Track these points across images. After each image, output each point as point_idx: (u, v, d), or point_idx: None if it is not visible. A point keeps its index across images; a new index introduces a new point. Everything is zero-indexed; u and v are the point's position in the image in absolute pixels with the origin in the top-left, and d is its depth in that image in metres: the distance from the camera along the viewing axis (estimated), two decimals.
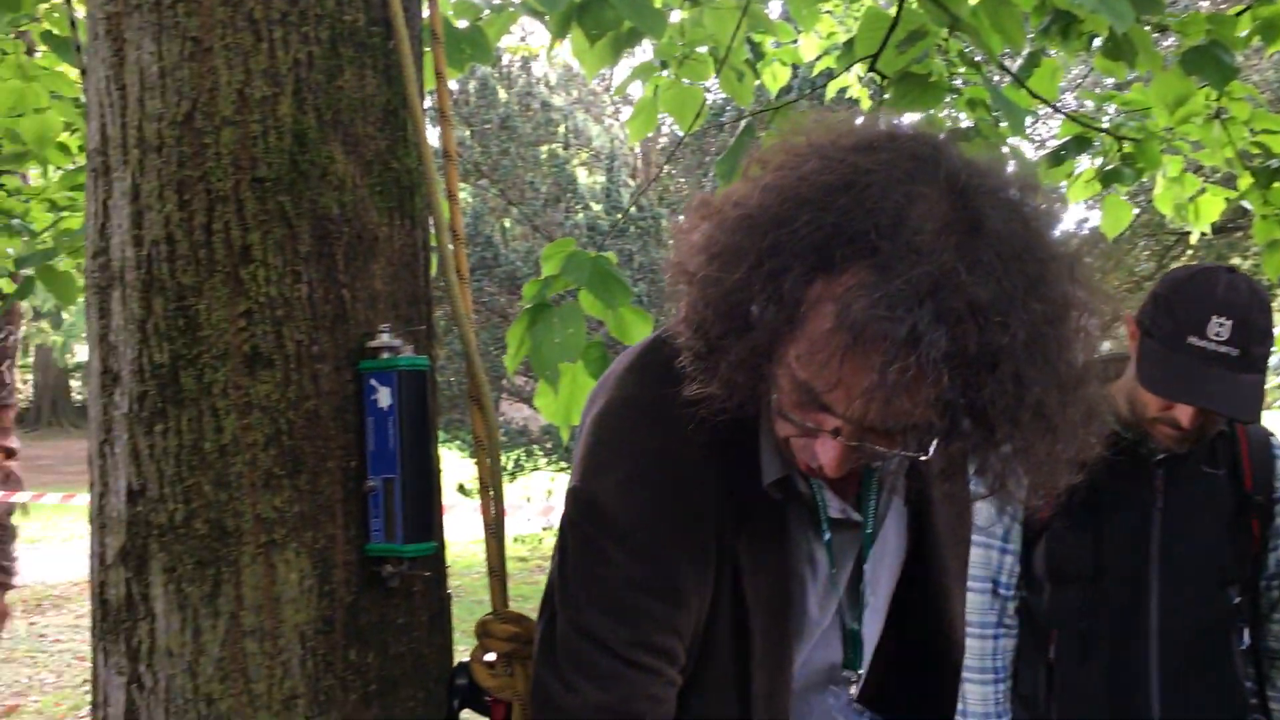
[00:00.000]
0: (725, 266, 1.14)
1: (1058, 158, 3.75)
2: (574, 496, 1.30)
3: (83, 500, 8.83)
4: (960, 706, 2.28)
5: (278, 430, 1.28)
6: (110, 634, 1.31)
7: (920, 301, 1.03)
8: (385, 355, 1.32)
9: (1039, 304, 1.08)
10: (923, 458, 1.18)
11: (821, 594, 1.37)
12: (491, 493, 1.44)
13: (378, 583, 1.33)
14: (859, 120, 1.24)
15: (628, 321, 2.66)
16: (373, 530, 1.32)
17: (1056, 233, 1.17)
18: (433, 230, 1.47)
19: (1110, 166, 3.75)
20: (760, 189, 1.16)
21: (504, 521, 1.46)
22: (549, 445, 11.22)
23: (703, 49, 3.03)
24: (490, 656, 1.43)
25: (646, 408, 1.29)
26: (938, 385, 1.06)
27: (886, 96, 2.72)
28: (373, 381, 1.32)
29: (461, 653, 1.47)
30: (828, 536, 1.33)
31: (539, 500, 12.12)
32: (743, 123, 2.74)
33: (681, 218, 1.29)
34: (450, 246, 1.45)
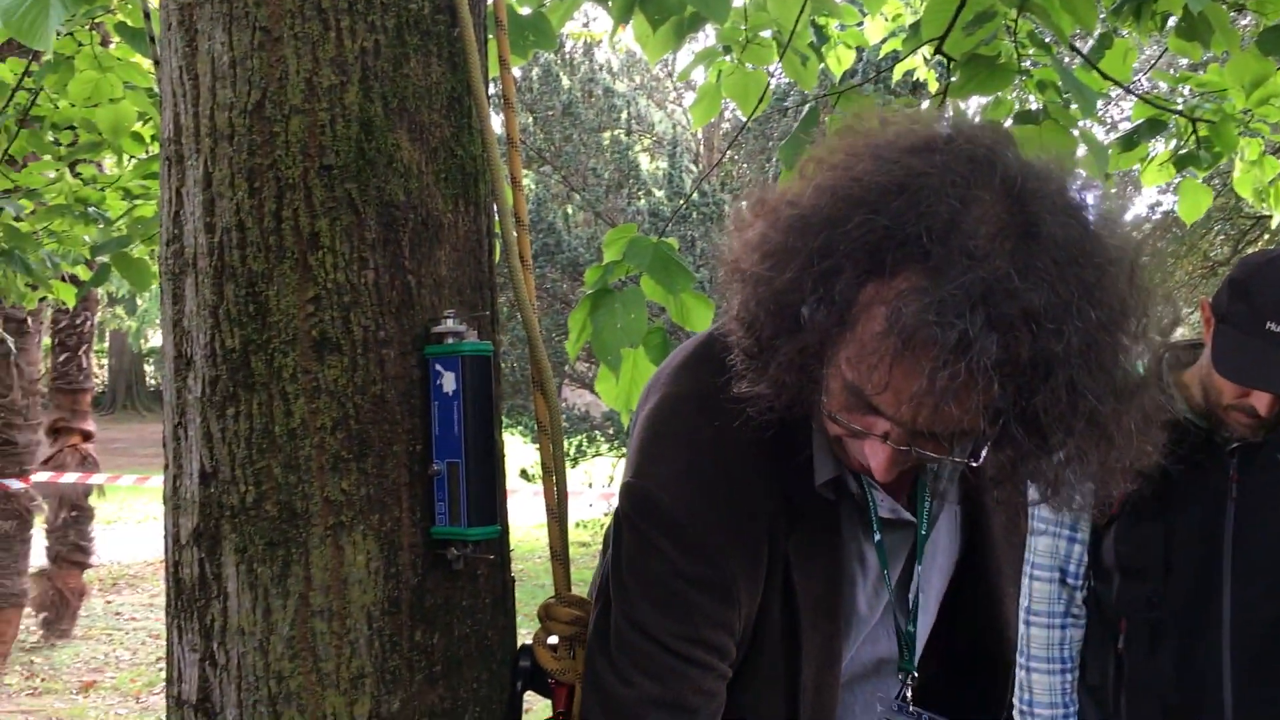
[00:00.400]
0: (777, 265, 1.14)
1: (1130, 141, 3.66)
2: (627, 491, 1.31)
3: (157, 482, 9.03)
4: (1026, 697, 2.26)
5: (345, 414, 1.30)
6: (184, 612, 1.34)
7: (972, 307, 1.02)
8: (450, 340, 1.34)
9: (1095, 310, 1.06)
10: (973, 464, 1.17)
11: (871, 592, 1.36)
12: (554, 476, 1.45)
13: (442, 565, 1.35)
14: (919, 119, 1.22)
15: (689, 307, 2.66)
16: (438, 514, 1.33)
17: (1117, 233, 1.15)
18: (496, 217, 1.48)
19: (1185, 150, 3.66)
20: (814, 188, 1.15)
21: (567, 505, 1.46)
22: (610, 431, 11.25)
23: (766, 33, 3.01)
24: (553, 639, 1.44)
25: (700, 404, 1.29)
26: (988, 392, 1.05)
27: (954, 79, 2.68)
28: (438, 366, 1.33)
29: (524, 636, 1.48)
30: (878, 538, 1.32)
31: (601, 485, 12.17)
32: (806, 107, 2.72)
33: (742, 207, 1.29)
34: (514, 232, 1.45)
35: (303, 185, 1.30)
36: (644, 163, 12.61)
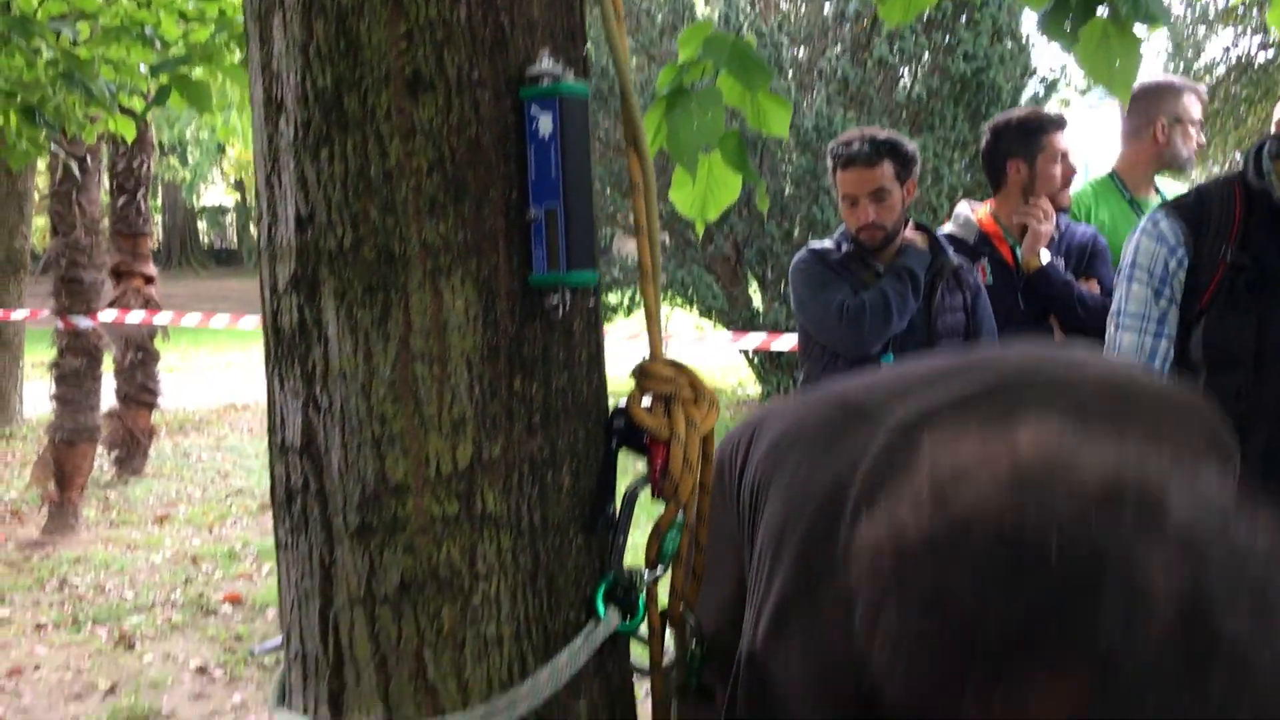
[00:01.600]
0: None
1: None
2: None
3: (220, 322, 9.13)
4: None
5: (441, 156, 1.27)
6: (285, 360, 1.34)
7: None
8: (547, 82, 1.29)
9: None
10: None
11: None
12: (644, 191, 1.42)
13: (539, 315, 1.34)
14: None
15: (766, 109, 2.58)
16: (535, 261, 1.31)
17: None
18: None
19: None
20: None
21: (658, 224, 1.44)
22: (664, 281, 11.22)
23: None
24: (646, 400, 1.43)
25: None
26: None
27: None
28: (534, 109, 1.29)
29: None
30: None
31: None
32: None
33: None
34: None
35: None
36: (699, 5, 12.23)
